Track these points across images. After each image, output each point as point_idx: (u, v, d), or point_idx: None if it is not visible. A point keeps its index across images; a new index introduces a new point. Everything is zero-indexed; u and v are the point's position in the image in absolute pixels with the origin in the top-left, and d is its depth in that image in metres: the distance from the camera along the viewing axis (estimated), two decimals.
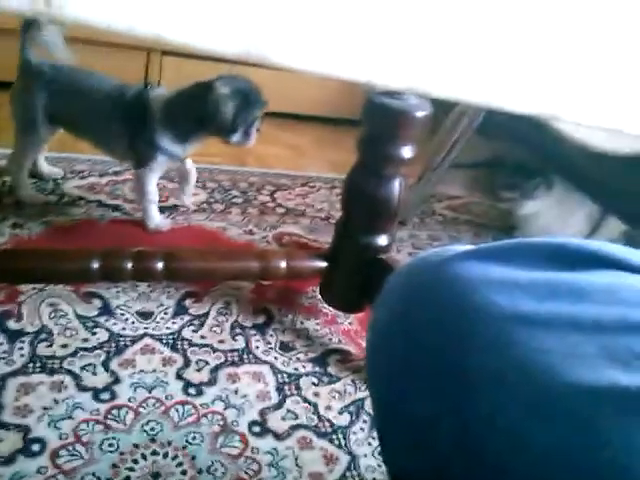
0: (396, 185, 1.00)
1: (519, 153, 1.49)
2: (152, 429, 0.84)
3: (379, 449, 0.88)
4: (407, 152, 0.97)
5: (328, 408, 0.94)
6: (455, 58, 0.58)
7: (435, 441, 0.33)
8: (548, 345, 0.29)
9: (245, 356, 1.01)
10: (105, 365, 0.93)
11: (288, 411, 0.92)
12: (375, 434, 0.90)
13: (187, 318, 1.07)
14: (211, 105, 1.15)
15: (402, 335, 0.38)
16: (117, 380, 0.91)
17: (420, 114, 0.93)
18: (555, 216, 1.44)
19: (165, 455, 0.80)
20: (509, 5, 0.56)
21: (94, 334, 0.99)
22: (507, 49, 0.58)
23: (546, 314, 0.31)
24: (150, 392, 0.90)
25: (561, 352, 0.29)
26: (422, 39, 0.55)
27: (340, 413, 0.93)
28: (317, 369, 1.01)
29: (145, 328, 1.02)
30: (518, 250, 0.36)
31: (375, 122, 0.97)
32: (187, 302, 1.11)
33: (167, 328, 1.04)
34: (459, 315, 0.34)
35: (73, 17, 0.44)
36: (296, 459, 0.84)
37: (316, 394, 0.96)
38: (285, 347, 1.05)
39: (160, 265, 0.98)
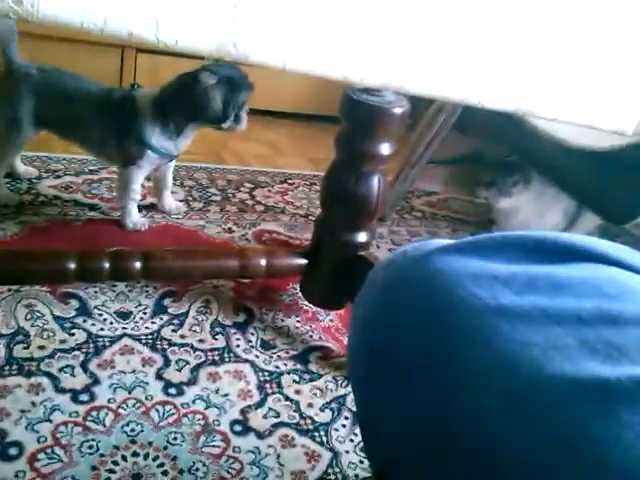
0: (375, 182, 1.00)
1: (496, 149, 1.50)
2: (132, 430, 0.83)
3: (361, 445, 0.88)
4: (385, 149, 0.97)
5: (309, 405, 0.94)
6: (432, 55, 0.58)
7: (420, 434, 0.33)
8: (529, 338, 0.30)
9: (226, 355, 1.00)
10: (84, 366, 0.92)
11: (269, 409, 0.91)
12: (357, 430, 0.91)
13: (166, 318, 1.06)
14: (199, 97, 1.16)
15: (383, 329, 0.38)
16: (96, 381, 0.90)
17: (398, 111, 0.94)
18: (533, 211, 1.45)
19: (146, 456, 0.79)
20: (487, 6, 0.57)
21: (72, 335, 0.98)
22: (483, 47, 0.59)
23: (526, 307, 0.31)
24: (130, 393, 0.89)
25: (542, 345, 0.29)
26: (399, 37, 0.56)
27: (322, 410, 0.93)
28: (298, 367, 1.01)
29: (124, 328, 1.01)
30: (497, 244, 0.36)
31: (353, 119, 0.97)
32: (166, 301, 1.10)
33: (146, 328, 1.03)
34: (440, 308, 0.34)
35: (45, 16, 0.43)
36: (278, 457, 0.84)
37: (297, 392, 0.96)
38: (266, 345, 1.05)
39: (138, 265, 0.97)
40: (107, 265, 0.94)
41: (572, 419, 0.27)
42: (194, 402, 0.90)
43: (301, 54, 0.52)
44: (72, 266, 0.92)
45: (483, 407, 0.29)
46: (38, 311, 1.01)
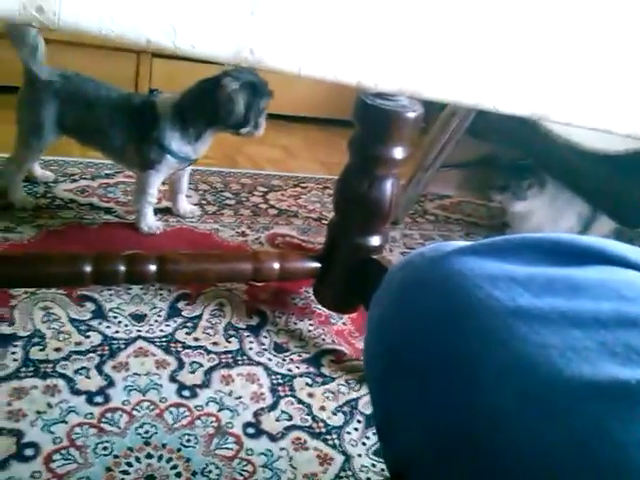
0: (389, 185, 1.00)
1: (510, 153, 1.50)
2: (146, 432, 0.84)
3: (373, 448, 0.88)
4: (399, 153, 0.97)
5: (322, 409, 0.94)
6: (446, 60, 0.58)
7: (437, 435, 0.33)
8: (547, 340, 0.30)
9: (239, 358, 1.01)
10: (99, 368, 0.93)
11: (282, 412, 0.92)
12: (369, 434, 0.91)
13: (180, 320, 1.07)
14: (223, 102, 1.18)
15: (400, 330, 0.38)
16: (111, 383, 0.90)
17: (411, 115, 0.94)
18: (547, 215, 1.45)
19: (160, 458, 0.80)
20: (500, 9, 0.57)
21: (87, 337, 0.99)
22: (498, 51, 0.59)
23: (544, 309, 0.31)
24: (144, 395, 0.90)
25: (560, 347, 0.29)
26: (413, 42, 0.56)
27: (334, 413, 0.93)
28: (311, 370, 1.02)
29: (138, 331, 1.02)
30: (514, 246, 0.37)
31: (367, 123, 0.98)
32: (180, 304, 1.11)
33: (161, 331, 1.03)
34: (458, 310, 0.34)
35: (66, 23, 0.44)
36: (290, 460, 0.84)
37: (310, 395, 0.96)
38: (279, 348, 1.05)
39: (153, 268, 0.98)
40: (123, 268, 0.95)
41: (591, 421, 0.27)
42: (207, 404, 0.90)
43: (316, 60, 0.53)
44: (88, 269, 0.93)
45: (501, 408, 0.29)
46: (54, 313, 1.02)
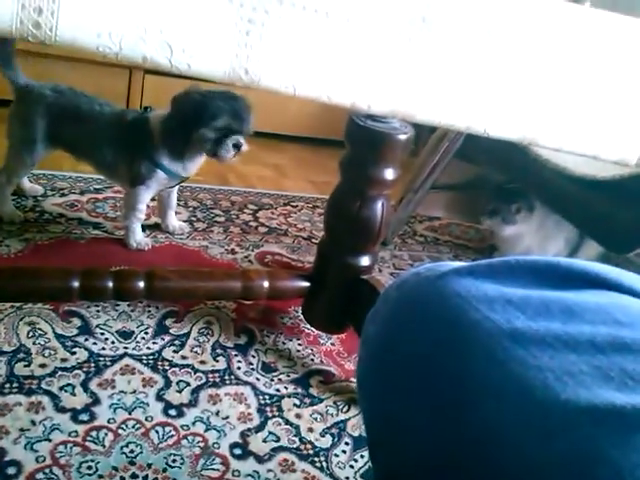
0: (379, 206, 1.01)
1: (499, 176, 1.51)
2: (132, 451, 0.82)
3: (362, 471, 0.87)
4: (390, 174, 0.98)
5: (310, 430, 0.93)
6: (438, 84, 0.59)
7: (433, 455, 0.33)
8: (543, 363, 0.30)
9: (226, 377, 1.00)
10: (84, 385, 0.92)
11: (270, 433, 0.91)
12: (357, 456, 0.90)
13: (168, 338, 1.06)
14: (197, 107, 1.15)
15: (396, 349, 0.38)
16: (96, 401, 0.89)
17: (402, 137, 0.95)
18: (535, 239, 1.46)
19: (145, 478, 0.79)
20: (492, 37, 0.58)
21: (73, 354, 0.97)
22: (489, 77, 0.60)
23: (540, 332, 0.31)
24: (130, 413, 0.89)
25: (556, 370, 0.29)
26: (406, 65, 0.57)
27: (322, 435, 0.93)
28: (299, 390, 1.01)
29: (125, 348, 1.01)
30: (510, 268, 0.37)
31: (358, 144, 0.98)
32: (168, 322, 1.10)
33: (148, 348, 1.02)
34: (454, 330, 0.34)
35: (63, 40, 0.44)
36: None
37: (298, 416, 0.95)
38: (267, 368, 1.04)
39: (141, 284, 0.97)
40: (111, 284, 0.95)
41: (587, 445, 0.27)
42: (194, 424, 0.89)
43: (310, 81, 0.53)
44: (76, 284, 0.93)
45: (497, 427, 0.29)
46: (40, 329, 1.01)
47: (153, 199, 1.43)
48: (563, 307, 0.33)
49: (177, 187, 1.38)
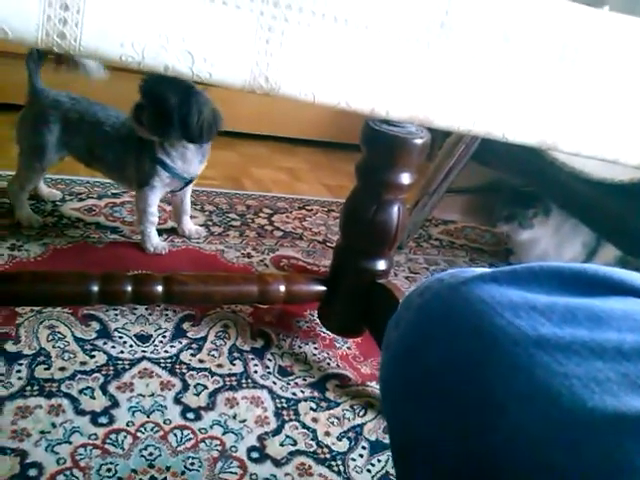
0: (395, 210, 1.01)
1: (515, 179, 1.51)
2: (150, 454, 0.83)
3: (379, 475, 0.87)
4: (406, 178, 0.98)
5: (327, 434, 0.93)
6: (457, 89, 0.59)
7: (460, 461, 0.33)
8: (570, 370, 0.30)
9: (243, 380, 1.01)
10: (103, 389, 0.93)
11: (286, 437, 0.91)
12: (374, 460, 0.90)
13: (185, 342, 1.07)
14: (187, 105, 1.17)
15: (419, 355, 0.38)
16: (115, 404, 0.90)
17: (419, 141, 0.95)
18: (552, 243, 1.45)
19: None
20: (510, 42, 0.58)
21: (92, 357, 0.98)
22: (507, 82, 0.60)
23: (566, 339, 0.31)
24: (148, 416, 0.89)
25: (583, 378, 0.29)
26: (424, 71, 0.57)
27: (339, 439, 0.93)
28: (315, 394, 1.01)
29: (143, 351, 1.02)
30: (534, 274, 0.37)
31: (374, 149, 0.98)
32: (185, 325, 1.11)
33: (165, 352, 1.03)
34: (480, 336, 0.34)
35: (87, 49, 0.45)
36: None
37: (314, 420, 0.96)
38: (283, 372, 1.05)
39: (160, 288, 0.98)
40: (130, 288, 0.96)
41: (615, 453, 0.27)
42: (212, 427, 0.90)
43: (330, 88, 0.54)
44: (95, 289, 0.94)
45: (523, 434, 0.29)
46: (60, 332, 1.02)
47: (169, 203, 1.44)
48: (589, 314, 0.33)
49: (189, 192, 1.38)
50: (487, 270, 0.38)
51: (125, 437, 0.85)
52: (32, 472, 0.77)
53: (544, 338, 0.32)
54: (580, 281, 0.36)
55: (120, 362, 0.99)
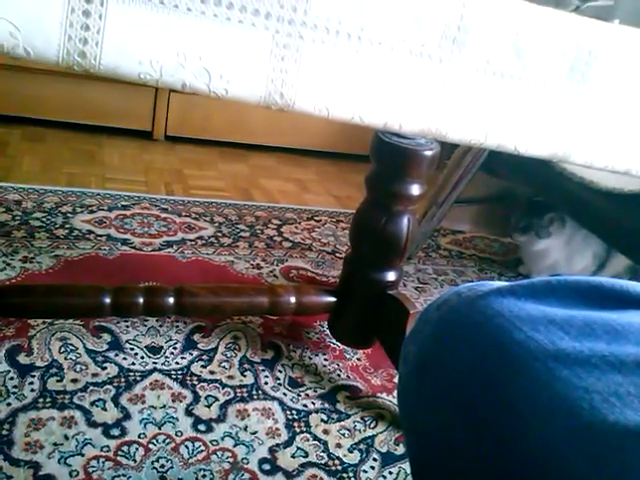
0: (405, 222, 1.01)
1: (524, 189, 1.51)
2: (162, 466, 0.83)
3: None
4: (416, 190, 0.98)
5: (338, 446, 0.93)
6: (468, 103, 0.60)
7: (476, 473, 0.33)
8: (590, 384, 0.30)
9: (254, 392, 1.01)
10: (115, 400, 0.93)
11: (298, 448, 0.91)
12: (385, 472, 0.90)
13: (196, 353, 1.07)
14: None
15: (438, 368, 0.38)
16: (127, 416, 0.90)
17: (428, 153, 0.95)
18: (563, 253, 1.45)
19: None
20: (521, 54, 0.58)
21: (104, 369, 0.99)
22: (518, 95, 0.60)
23: (585, 353, 0.31)
24: (160, 428, 0.90)
25: (603, 392, 0.29)
26: (436, 85, 0.57)
27: (350, 451, 0.93)
28: (326, 406, 1.01)
29: (154, 363, 1.03)
30: (552, 288, 0.37)
31: (384, 160, 0.99)
32: (196, 337, 1.11)
33: (176, 363, 1.04)
34: (498, 350, 0.34)
35: (107, 68, 0.46)
36: None
37: (325, 431, 0.96)
38: (294, 383, 1.05)
39: (171, 300, 0.98)
40: (141, 300, 0.96)
41: (638, 466, 0.27)
42: (223, 439, 0.90)
43: (344, 103, 0.54)
44: (108, 301, 0.94)
45: (543, 449, 0.29)
46: (71, 344, 1.03)
47: (179, 215, 1.44)
48: (607, 327, 0.33)
49: None
50: (505, 284, 0.38)
51: (137, 449, 0.85)
52: None
53: (563, 352, 0.32)
54: (597, 294, 0.36)
55: (131, 374, 0.99)
